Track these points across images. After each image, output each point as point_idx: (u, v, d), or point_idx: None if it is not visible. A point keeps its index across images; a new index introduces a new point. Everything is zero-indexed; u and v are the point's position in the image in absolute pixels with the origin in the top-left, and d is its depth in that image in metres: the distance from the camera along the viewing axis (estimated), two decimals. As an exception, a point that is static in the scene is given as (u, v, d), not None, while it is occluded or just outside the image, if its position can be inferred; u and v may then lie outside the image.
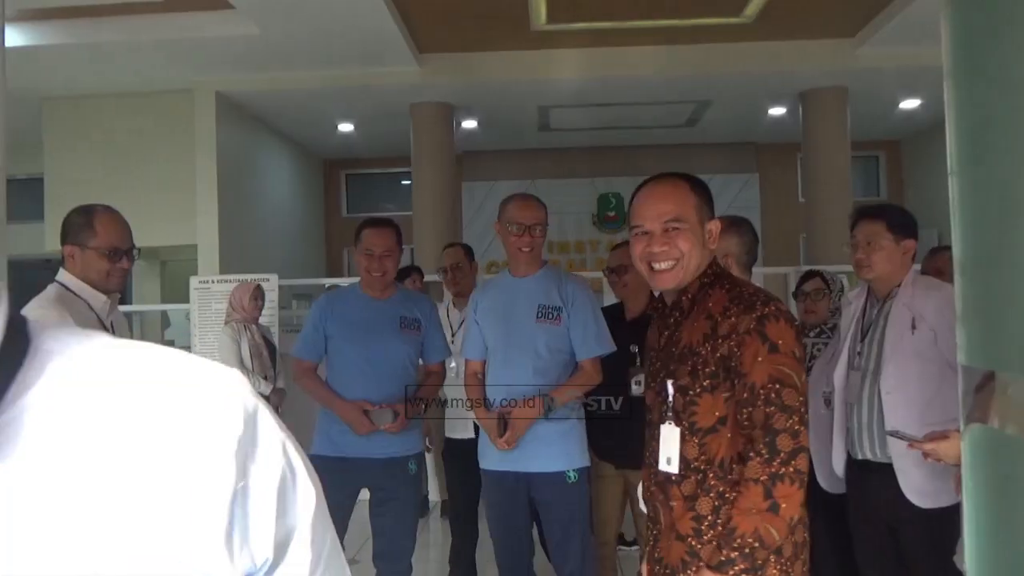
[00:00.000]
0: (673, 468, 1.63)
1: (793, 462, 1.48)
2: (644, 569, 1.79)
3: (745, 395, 1.53)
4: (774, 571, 1.52)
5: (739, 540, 1.47)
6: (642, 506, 2.28)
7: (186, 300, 6.21)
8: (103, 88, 6.82)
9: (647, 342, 1.86)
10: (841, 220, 3.86)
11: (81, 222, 2.20)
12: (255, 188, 7.93)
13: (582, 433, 2.79)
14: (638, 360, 2.94)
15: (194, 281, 5.98)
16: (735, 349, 1.54)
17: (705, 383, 1.59)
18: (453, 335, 3.79)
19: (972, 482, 1.04)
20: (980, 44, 1.04)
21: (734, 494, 1.53)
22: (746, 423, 1.52)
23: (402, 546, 2.89)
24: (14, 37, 5.33)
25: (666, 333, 1.72)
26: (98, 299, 2.22)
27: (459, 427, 3.61)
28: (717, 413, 1.58)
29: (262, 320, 4.82)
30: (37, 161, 7.11)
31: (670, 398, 1.64)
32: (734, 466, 1.56)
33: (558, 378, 2.70)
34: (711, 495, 1.58)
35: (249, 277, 5.59)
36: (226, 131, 7.03)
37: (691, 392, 1.61)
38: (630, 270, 3.13)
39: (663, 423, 1.65)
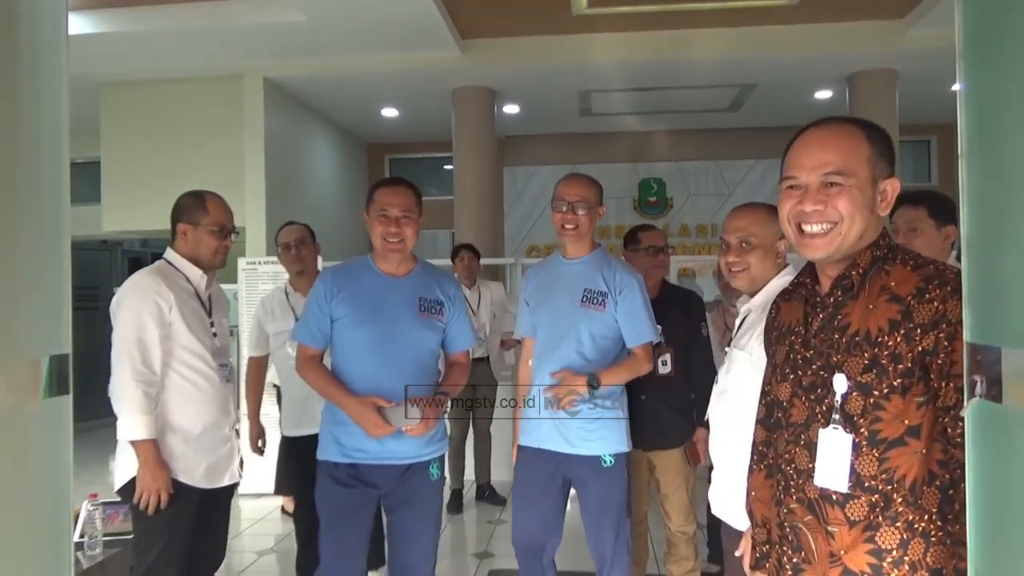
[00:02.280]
0: (840, 486, 1.29)
1: None
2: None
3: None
4: None
5: None
6: (718, 511, 2.13)
7: (231, 280, 6.43)
8: (157, 74, 7.06)
9: (776, 322, 1.54)
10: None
11: (194, 203, 2.46)
12: (300, 172, 8.12)
13: (623, 420, 2.72)
14: (662, 340, 3.00)
15: (241, 262, 6.16)
16: (946, 343, 1.22)
17: (896, 383, 1.25)
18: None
19: (974, 453, 1.07)
20: (992, 29, 1.06)
21: (931, 527, 1.23)
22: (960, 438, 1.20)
23: (421, 565, 2.48)
24: (75, 25, 5.56)
25: (820, 314, 1.38)
26: (195, 273, 2.49)
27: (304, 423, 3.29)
28: (907, 422, 1.25)
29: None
30: (94, 145, 7.40)
31: (838, 397, 1.30)
32: (925, 488, 1.24)
33: (600, 364, 2.62)
34: (898, 524, 1.25)
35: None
36: (273, 116, 7.21)
37: (876, 393, 1.27)
38: (659, 253, 3.16)
39: (822, 426, 1.32)
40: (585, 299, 2.63)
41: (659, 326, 2.93)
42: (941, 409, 1.24)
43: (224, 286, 7.16)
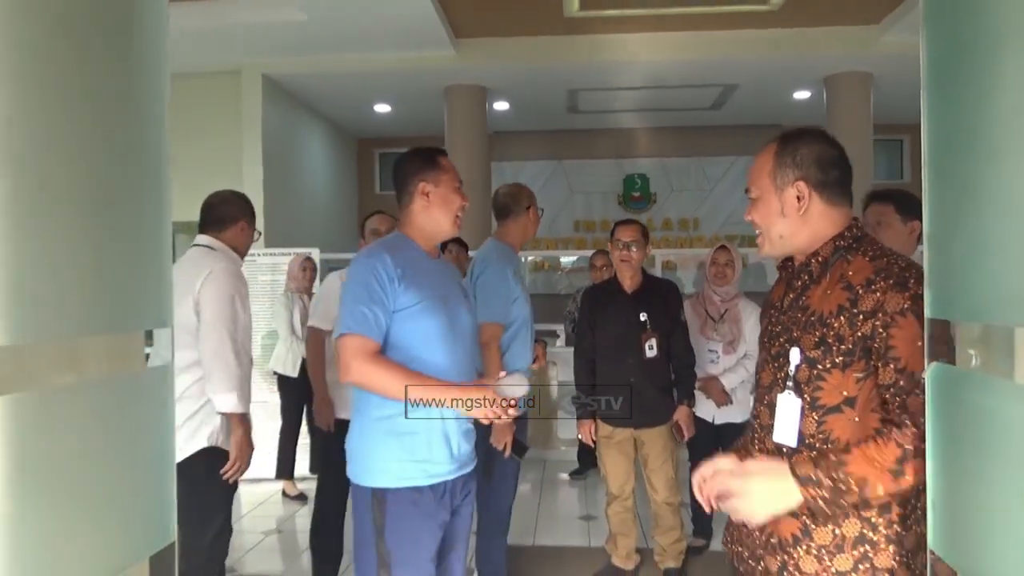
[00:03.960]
0: (790, 441, 1.49)
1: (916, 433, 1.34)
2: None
3: (901, 383, 1.38)
4: (890, 561, 1.42)
5: (838, 472, 1.36)
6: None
7: (228, 272, 6.60)
8: (156, 69, 7.17)
9: (768, 298, 1.68)
10: (861, 203, 4.11)
11: (250, 207, 2.84)
12: (296, 166, 8.28)
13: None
14: (648, 326, 3.26)
15: (241, 254, 6.33)
16: (881, 330, 1.39)
17: (838, 360, 1.44)
18: None
19: (933, 405, 1.32)
20: (951, 59, 1.31)
21: (867, 440, 1.39)
22: (898, 410, 1.38)
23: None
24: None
25: (791, 295, 1.58)
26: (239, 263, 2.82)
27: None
28: (844, 393, 1.44)
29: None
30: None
31: (792, 367, 1.50)
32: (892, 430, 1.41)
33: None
34: None
35: (293, 251, 5.97)
36: (270, 111, 7.38)
37: (819, 366, 1.45)
38: (634, 246, 3.38)
39: (780, 391, 1.51)
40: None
41: (644, 313, 3.23)
42: (882, 386, 1.41)
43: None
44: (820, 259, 1.53)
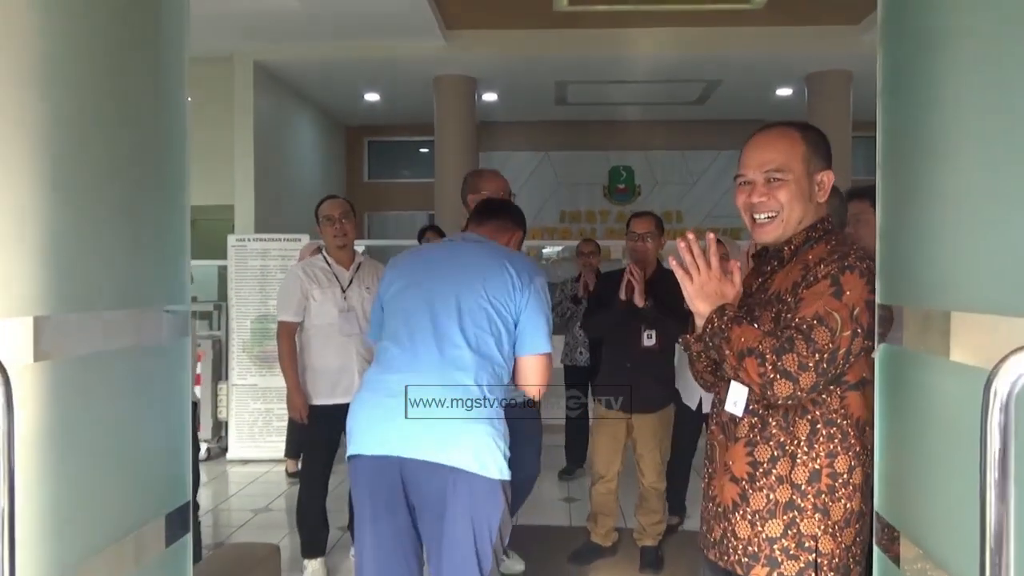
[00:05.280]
0: (738, 411, 1.59)
1: (788, 378, 1.42)
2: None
3: (788, 320, 1.49)
4: (815, 528, 1.51)
5: (728, 333, 1.50)
6: None
7: (215, 257, 6.69)
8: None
9: (745, 282, 1.74)
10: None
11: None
12: (286, 152, 8.34)
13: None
14: (647, 317, 3.39)
15: (231, 239, 6.38)
16: (806, 289, 1.50)
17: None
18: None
19: (881, 380, 1.47)
20: (903, 71, 1.46)
21: (792, 443, 1.51)
22: (781, 329, 1.49)
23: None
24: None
25: (759, 280, 1.68)
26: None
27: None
28: None
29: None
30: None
31: None
32: (796, 419, 1.51)
33: None
34: (771, 444, 1.53)
35: (283, 237, 6.11)
36: (261, 98, 7.44)
37: None
38: (638, 240, 3.51)
39: None
40: None
41: (650, 301, 3.32)
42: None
43: (213, 262, 7.45)
44: (792, 246, 1.62)
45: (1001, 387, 0.82)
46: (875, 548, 1.46)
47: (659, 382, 3.51)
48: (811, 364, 1.42)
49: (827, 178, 1.60)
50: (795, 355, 1.43)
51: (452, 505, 1.91)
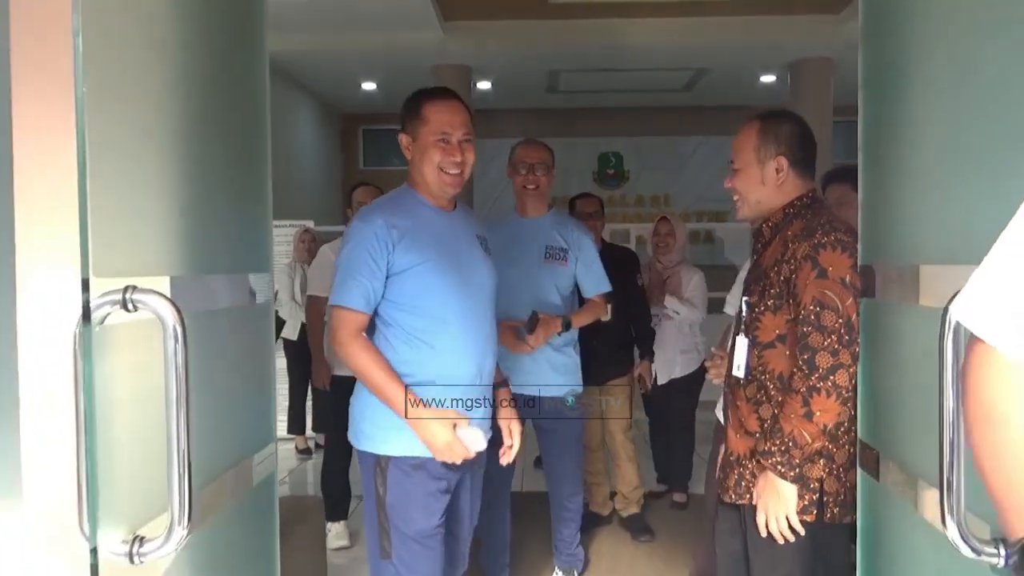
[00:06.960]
0: (741, 374, 1.81)
1: (831, 377, 1.60)
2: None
3: (800, 315, 1.66)
4: (820, 472, 1.72)
5: (779, 438, 1.65)
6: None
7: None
8: (149, 45, 7.33)
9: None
10: (820, 181, 4.54)
11: None
12: (283, 139, 8.49)
13: (578, 362, 2.97)
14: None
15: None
16: (793, 275, 1.68)
17: (769, 303, 1.73)
18: None
19: (863, 333, 1.74)
20: (881, 68, 1.73)
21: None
22: (799, 351, 1.64)
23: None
24: None
25: (753, 257, 1.90)
26: None
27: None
28: (776, 331, 1.72)
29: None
30: (85, 112, 7.64)
31: (743, 313, 1.82)
32: (791, 380, 1.68)
33: (564, 312, 2.81)
34: (772, 404, 1.73)
35: (279, 223, 6.24)
36: (263, 87, 7.59)
37: (757, 309, 1.76)
38: (589, 218, 3.73)
39: (738, 335, 1.84)
40: (548, 255, 2.82)
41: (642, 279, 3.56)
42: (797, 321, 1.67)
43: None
44: (771, 224, 1.82)
45: (953, 315, 1.09)
46: (859, 471, 1.69)
47: (621, 349, 3.65)
48: (838, 347, 1.61)
49: (777, 163, 1.80)
50: (824, 352, 1.61)
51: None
